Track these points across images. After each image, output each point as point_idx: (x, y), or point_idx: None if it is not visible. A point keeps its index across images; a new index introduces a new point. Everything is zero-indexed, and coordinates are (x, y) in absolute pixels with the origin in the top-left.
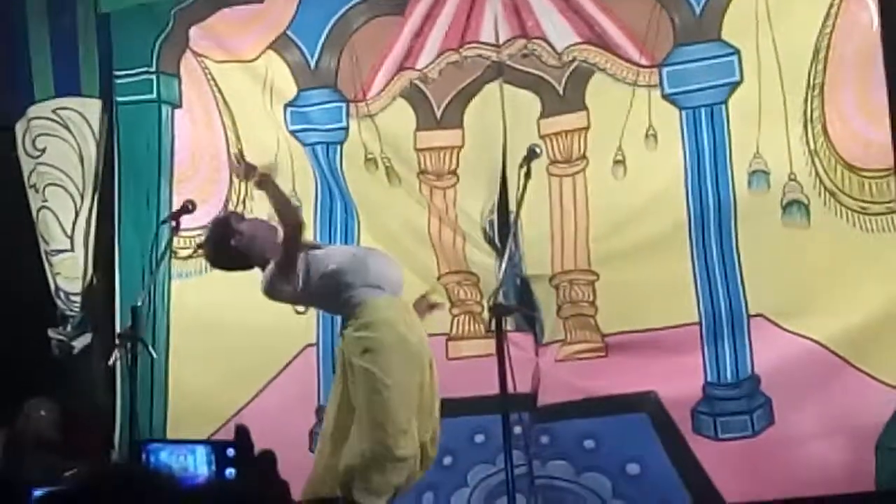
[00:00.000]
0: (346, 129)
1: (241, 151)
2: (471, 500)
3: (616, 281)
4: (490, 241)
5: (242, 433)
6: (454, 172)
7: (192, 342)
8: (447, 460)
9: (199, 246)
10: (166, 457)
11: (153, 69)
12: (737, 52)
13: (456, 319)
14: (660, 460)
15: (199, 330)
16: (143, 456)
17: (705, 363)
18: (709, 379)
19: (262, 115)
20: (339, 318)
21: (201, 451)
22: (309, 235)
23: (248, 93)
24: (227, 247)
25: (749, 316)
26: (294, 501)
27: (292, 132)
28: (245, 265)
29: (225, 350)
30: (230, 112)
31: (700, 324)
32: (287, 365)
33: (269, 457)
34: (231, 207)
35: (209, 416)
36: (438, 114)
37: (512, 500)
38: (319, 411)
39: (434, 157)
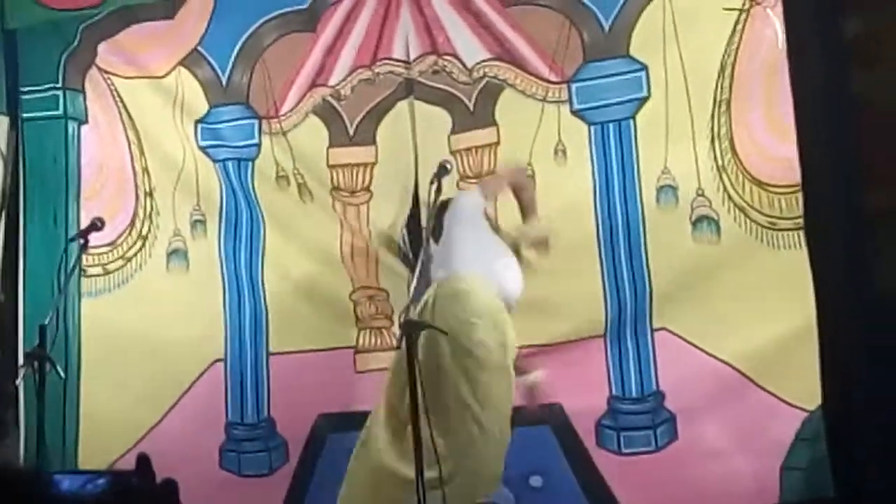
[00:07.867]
0: (259, 145)
1: (146, 168)
2: None
3: (525, 294)
4: (402, 257)
5: (143, 462)
6: (367, 189)
7: (103, 362)
8: None
9: None
10: (67, 487)
11: (59, 85)
12: (644, 67)
13: (363, 333)
14: (563, 473)
15: (110, 349)
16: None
17: (610, 377)
18: (614, 392)
19: (170, 131)
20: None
21: (102, 481)
22: (213, 251)
23: (156, 109)
24: None
25: (654, 331)
26: None
27: (203, 148)
28: None
29: (136, 368)
30: (135, 128)
31: (605, 337)
32: (195, 381)
33: (170, 487)
34: (138, 222)
35: (122, 436)
36: (351, 130)
37: None
38: (228, 427)
39: (347, 173)
